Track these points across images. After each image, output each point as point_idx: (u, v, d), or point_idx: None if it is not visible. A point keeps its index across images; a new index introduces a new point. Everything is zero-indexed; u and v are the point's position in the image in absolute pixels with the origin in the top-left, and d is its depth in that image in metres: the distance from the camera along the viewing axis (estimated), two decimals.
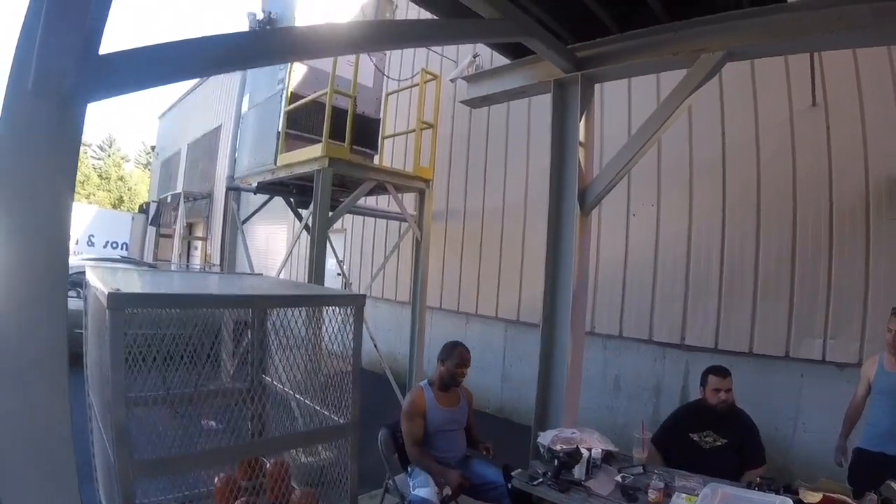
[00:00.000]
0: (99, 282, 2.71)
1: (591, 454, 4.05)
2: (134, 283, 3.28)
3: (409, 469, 4.63)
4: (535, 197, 8.87)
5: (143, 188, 51.29)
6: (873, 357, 4.82)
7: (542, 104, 8.45)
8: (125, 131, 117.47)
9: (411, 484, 4.46)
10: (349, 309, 3.11)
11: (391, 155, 10.38)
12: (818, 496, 3.32)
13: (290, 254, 8.83)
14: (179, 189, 22.43)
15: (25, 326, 1.99)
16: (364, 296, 3.24)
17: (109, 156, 58.22)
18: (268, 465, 3.52)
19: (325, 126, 7.05)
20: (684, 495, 3.52)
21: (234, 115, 11.28)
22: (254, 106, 9.06)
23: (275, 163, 7.91)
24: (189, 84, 24.44)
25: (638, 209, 7.82)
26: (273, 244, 16.47)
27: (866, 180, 6.13)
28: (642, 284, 7.64)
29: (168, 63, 2.51)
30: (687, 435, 4.65)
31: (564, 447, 4.13)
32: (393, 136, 9.77)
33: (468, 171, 10.35)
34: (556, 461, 4.02)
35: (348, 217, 12.07)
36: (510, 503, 4.29)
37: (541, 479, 3.92)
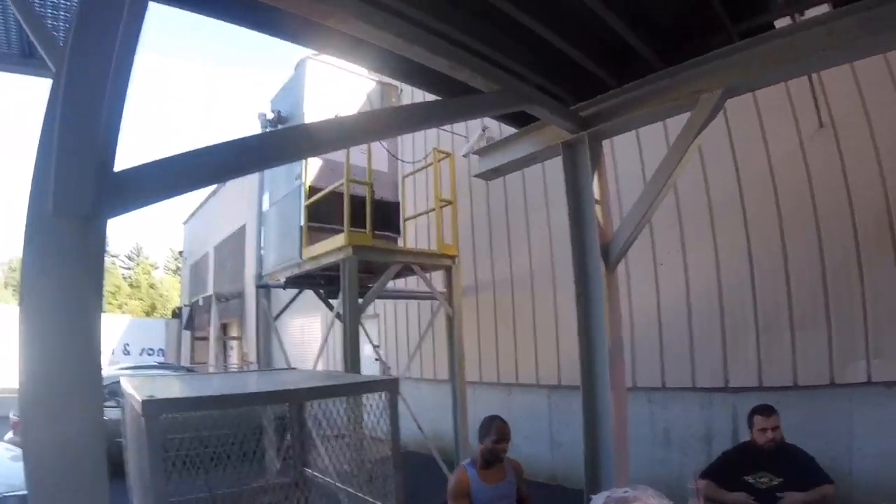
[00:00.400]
0: (133, 390, 2.75)
1: None
2: (169, 388, 3.30)
3: None
4: (560, 257, 8.84)
5: (174, 293, 51.97)
6: None
7: (556, 164, 8.60)
8: (152, 239, 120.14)
9: None
10: (383, 394, 3.11)
11: (415, 236, 10.49)
12: None
13: (324, 345, 8.84)
14: (210, 291, 22.72)
15: (60, 440, 2.00)
16: (397, 379, 3.26)
17: (138, 264, 59.54)
18: None
19: (345, 215, 7.17)
20: None
21: (255, 213, 11.46)
22: (274, 203, 9.23)
23: (300, 256, 8.01)
24: (210, 188, 24.92)
25: (664, 258, 7.79)
26: (308, 335, 16.54)
27: (885, 194, 6.09)
28: (679, 332, 7.53)
29: (182, 174, 2.59)
30: (741, 478, 4.56)
31: None
32: (414, 217, 9.85)
33: (492, 242, 10.41)
34: None
35: (380, 302, 12.20)
36: None
37: None
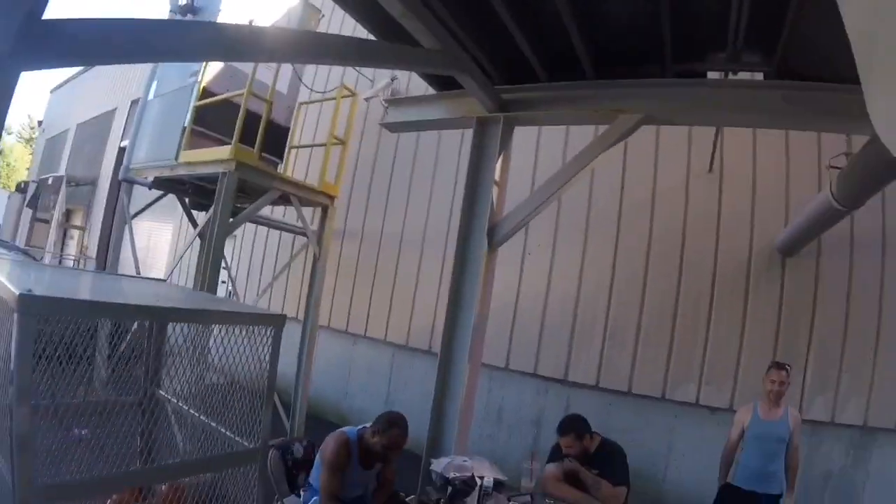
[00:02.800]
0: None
1: (483, 482, 4.07)
2: (41, 282, 2.99)
3: (299, 493, 4.51)
4: (434, 224, 8.97)
5: (22, 165, 47.77)
6: (748, 405, 5.25)
7: (453, 140, 8.63)
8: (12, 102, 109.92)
9: None
10: (268, 329, 3.00)
11: (293, 166, 10.17)
12: None
13: (181, 257, 8.41)
14: (62, 172, 21.11)
15: None
16: (285, 316, 3.13)
17: None
18: (163, 487, 3.31)
19: (237, 128, 6.81)
20: None
21: (131, 99, 10.60)
22: (160, 95, 8.67)
23: (176, 159, 7.52)
24: None
25: (534, 249, 8.06)
26: (156, 242, 15.47)
27: (750, 244, 6.76)
28: (532, 320, 7.85)
29: (119, 41, 2.37)
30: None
31: (459, 475, 4.13)
32: (303, 147, 9.57)
33: (370, 192, 10.29)
34: (449, 488, 4.05)
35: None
36: None
37: None
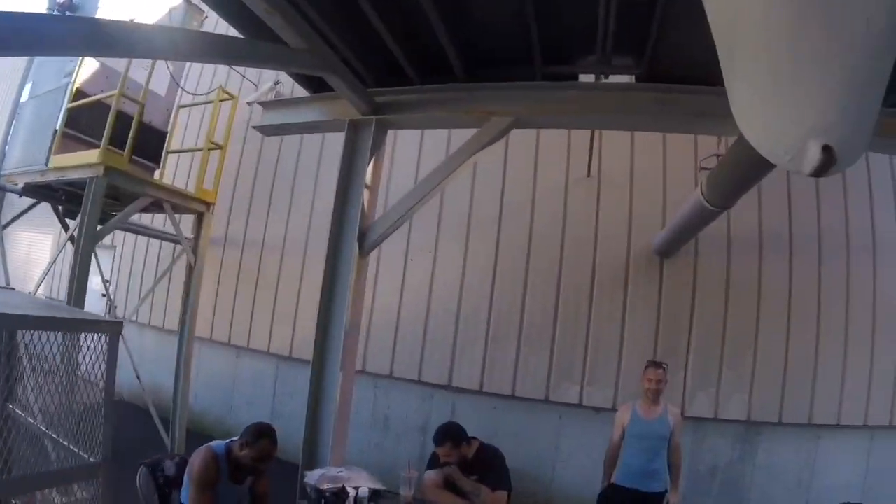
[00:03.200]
0: None
1: (357, 493, 4.02)
2: None
3: None
4: (317, 234, 8.71)
5: None
6: (626, 404, 5.35)
7: (335, 144, 8.54)
8: None
9: None
10: (104, 337, 2.85)
11: (174, 172, 9.86)
12: None
13: (50, 267, 8.03)
14: None
15: None
16: (121, 323, 2.98)
17: None
18: None
19: (106, 130, 6.55)
20: None
21: (9, 101, 10.06)
22: (34, 97, 8.27)
23: (46, 164, 7.16)
24: None
25: (416, 255, 8.07)
26: (36, 254, 14.70)
27: (628, 247, 7.02)
28: (415, 327, 7.84)
29: None
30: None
31: (331, 486, 4.07)
32: (179, 151, 9.25)
33: (253, 200, 10.05)
34: (322, 501, 4.00)
35: (119, 233, 11.25)
36: None
37: None
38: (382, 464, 7.42)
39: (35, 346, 3.00)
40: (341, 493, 3.97)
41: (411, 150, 8.17)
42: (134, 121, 6.82)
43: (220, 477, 3.97)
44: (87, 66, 7.32)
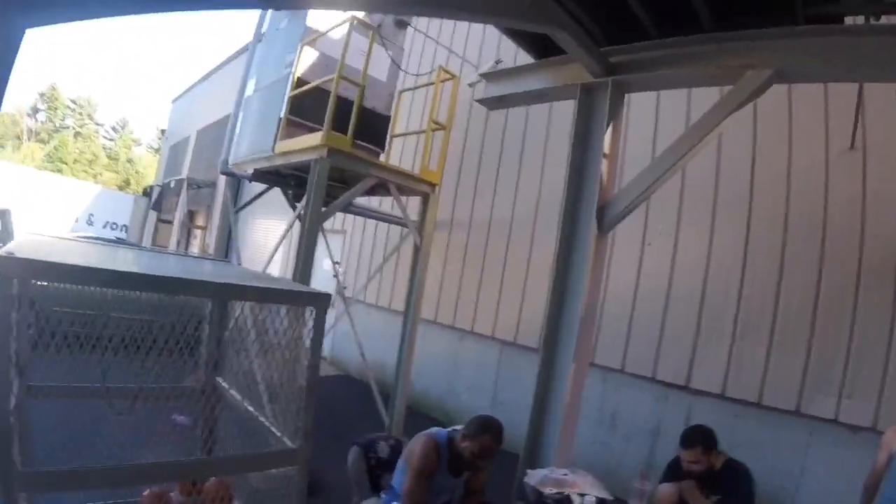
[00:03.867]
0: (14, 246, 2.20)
1: (583, 502, 3.57)
2: (54, 251, 2.67)
3: (381, 494, 4.11)
4: (546, 211, 8.36)
5: (151, 172, 51.19)
6: None
7: (563, 114, 8.06)
8: (140, 115, 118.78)
9: None
10: (309, 310, 2.58)
11: (399, 157, 9.93)
12: None
13: (278, 246, 8.32)
14: (184, 175, 22.32)
15: None
16: (329, 295, 2.65)
17: (121, 137, 58.65)
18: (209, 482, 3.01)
19: (328, 113, 6.59)
20: None
21: (228, 103, 10.87)
22: (258, 90, 8.67)
23: (273, 150, 7.48)
24: (203, 70, 24.50)
25: (654, 238, 7.29)
26: (272, 239, 16.10)
27: None
28: (651, 318, 7.08)
29: None
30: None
31: (554, 491, 3.67)
32: (402, 135, 9.32)
33: (478, 181, 9.88)
34: None
35: (349, 218, 11.68)
36: None
37: None
38: (607, 464, 6.92)
39: (252, 321, 2.90)
40: (564, 501, 3.56)
41: (647, 114, 7.37)
42: (354, 103, 6.82)
43: (440, 467, 3.78)
44: (306, 56, 7.44)
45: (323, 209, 6.78)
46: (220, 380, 3.54)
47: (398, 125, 8.99)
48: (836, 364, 5.72)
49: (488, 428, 3.74)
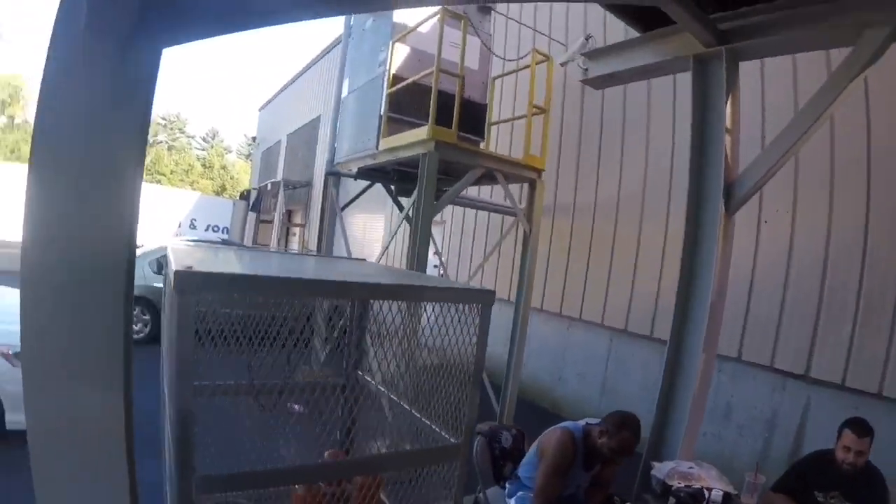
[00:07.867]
0: (174, 258, 2.28)
1: (710, 496, 3.52)
2: (217, 261, 2.76)
3: (505, 484, 4.18)
4: (654, 187, 8.16)
5: (244, 177, 53.92)
6: None
7: (663, 88, 7.83)
8: (227, 124, 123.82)
9: (509, 502, 4.02)
10: (475, 307, 2.59)
11: (495, 145, 9.86)
12: None
13: (391, 241, 8.47)
14: (279, 177, 23.17)
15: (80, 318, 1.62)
16: (493, 292, 2.68)
17: (213, 147, 61.27)
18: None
19: (431, 107, 6.62)
20: None
21: (332, 104, 11.10)
22: (354, 90, 8.76)
23: (376, 147, 7.53)
24: (287, 76, 25.48)
25: (770, 216, 6.86)
26: (369, 234, 16.55)
27: None
28: (770, 303, 6.69)
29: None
30: (812, 492, 4.01)
31: (684, 484, 3.63)
32: (502, 122, 9.34)
33: (579, 163, 9.72)
34: (672, 499, 3.62)
35: (447, 209, 11.69)
36: None
37: None
38: (720, 456, 6.70)
39: (391, 316, 2.92)
40: (698, 496, 3.54)
41: (752, 83, 6.82)
42: (456, 94, 6.81)
43: (576, 461, 3.79)
44: (398, 53, 7.47)
45: (434, 202, 6.83)
46: (360, 373, 3.63)
47: (493, 112, 8.93)
48: None
49: (627, 424, 3.69)
